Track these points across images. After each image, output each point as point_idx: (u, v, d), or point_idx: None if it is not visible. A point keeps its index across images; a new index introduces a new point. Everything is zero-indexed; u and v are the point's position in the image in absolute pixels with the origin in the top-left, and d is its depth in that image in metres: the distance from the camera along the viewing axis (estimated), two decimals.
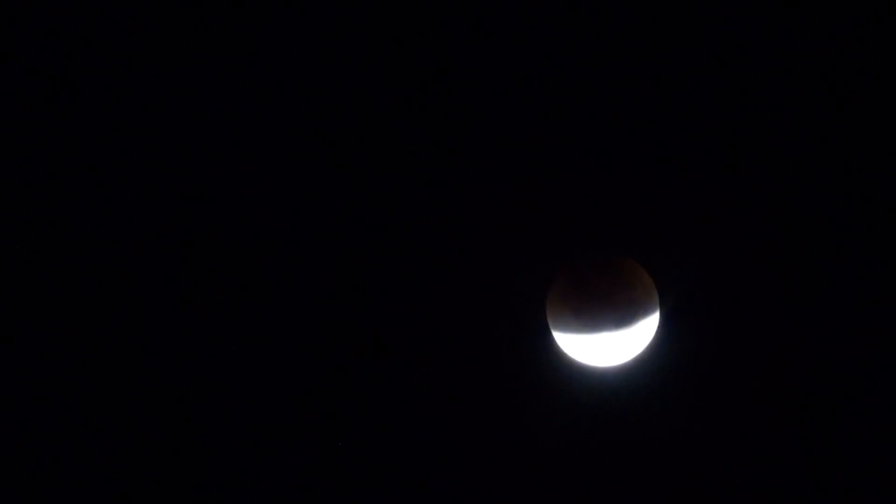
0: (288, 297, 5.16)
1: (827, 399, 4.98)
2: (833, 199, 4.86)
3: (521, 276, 5.04)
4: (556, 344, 4.94)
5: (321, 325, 5.16)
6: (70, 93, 4.98)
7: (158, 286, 5.15)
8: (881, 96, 4.81)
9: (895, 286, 4.87)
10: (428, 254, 5.08)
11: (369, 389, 5.17)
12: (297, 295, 5.16)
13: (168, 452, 5.19)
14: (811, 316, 4.95)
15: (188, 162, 5.07)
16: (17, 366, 5.12)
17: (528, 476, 5.13)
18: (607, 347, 4.78)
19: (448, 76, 4.97)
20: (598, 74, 4.92)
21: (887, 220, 4.84)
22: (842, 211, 4.86)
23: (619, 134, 4.93)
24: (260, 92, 5.02)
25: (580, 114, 4.95)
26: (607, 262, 4.87)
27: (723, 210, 4.92)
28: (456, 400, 5.14)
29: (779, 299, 4.96)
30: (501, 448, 5.12)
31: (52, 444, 5.15)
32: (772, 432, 5.04)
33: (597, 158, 4.94)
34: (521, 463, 5.12)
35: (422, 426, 5.17)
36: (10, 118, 5.00)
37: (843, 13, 4.77)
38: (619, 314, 4.72)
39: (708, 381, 5.05)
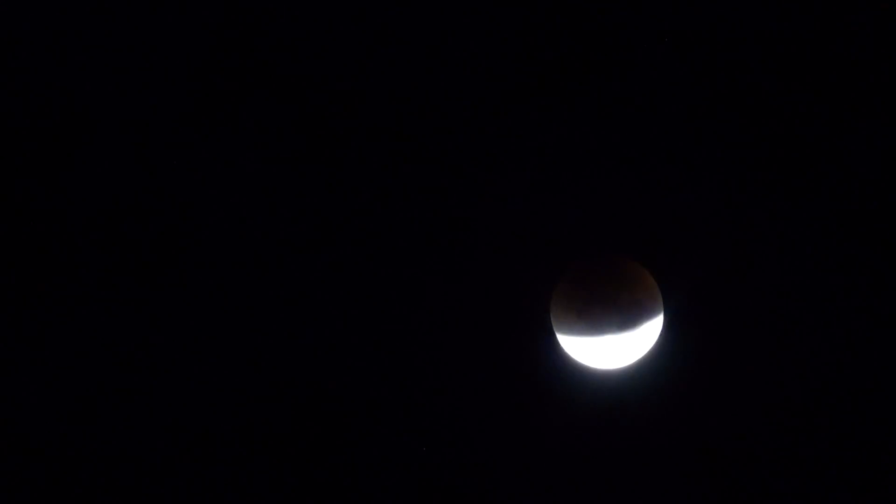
0: (288, 299, 5.15)
1: (829, 401, 4.98)
2: (837, 201, 4.87)
3: (524, 278, 5.04)
4: (559, 346, 4.94)
5: (324, 326, 5.16)
6: (65, 93, 5.00)
7: (161, 287, 5.15)
8: (884, 97, 4.82)
9: None
10: (432, 257, 5.08)
11: (372, 391, 5.17)
12: (297, 297, 5.15)
13: (168, 453, 5.19)
14: (814, 318, 4.95)
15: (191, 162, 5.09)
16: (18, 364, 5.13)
17: (532, 477, 5.12)
18: (611, 350, 4.79)
19: (452, 77, 4.97)
20: (602, 76, 4.93)
21: (891, 222, 4.85)
22: (846, 213, 4.86)
23: (623, 137, 4.93)
24: (260, 90, 5.03)
25: (583, 116, 4.96)
26: (611, 264, 4.87)
27: (726, 213, 4.92)
28: (460, 402, 5.13)
29: (782, 302, 4.96)
30: (506, 450, 5.12)
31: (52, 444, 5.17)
32: (775, 434, 5.04)
33: (601, 161, 4.94)
34: (525, 464, 5.11)
35: (426, 428, 5.16)
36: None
37: (843, 14, 4.78)
38: (623, 317, 4.72)
39: (711, 384, 5.05)
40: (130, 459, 5.15)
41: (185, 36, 5.01)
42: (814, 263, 4.92)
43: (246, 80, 5.02)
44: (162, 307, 5.15)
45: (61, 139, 5.05)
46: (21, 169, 5.06)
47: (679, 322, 4.95)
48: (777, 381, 5.02)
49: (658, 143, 4.92)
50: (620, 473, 5.10)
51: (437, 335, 5.11)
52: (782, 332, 4.99)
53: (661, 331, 4.88)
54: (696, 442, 5.08)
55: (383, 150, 5.04)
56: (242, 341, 5.17)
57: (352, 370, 5.18)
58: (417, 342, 5.13)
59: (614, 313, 4.71)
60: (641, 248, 4.94)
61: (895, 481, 4.93)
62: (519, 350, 5.08)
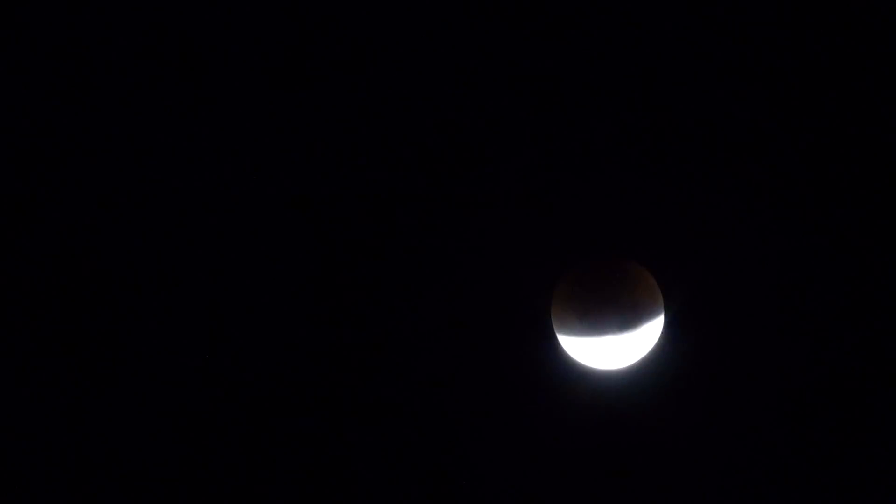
0: (288, 299, 5.15)
1: (830, 402, 4.99)
2: (837, 201, 4.88)
3: (525, 279, 5.04)
4: (560, 347, 4.95)
5: (325, 328, 5.16)
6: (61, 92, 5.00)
7: (161, 287, 5.15)
8: (884, 98, 4.84)
9: None
10: (433, 257, 5.08)
11: (374, 392, 5.17)
12: (297, 299, 5.15)
13: (169, 453, 5.19)
14: (815, 319, 4.96)
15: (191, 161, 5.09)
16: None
17: (534, 478, 5.13)
18: (612, 350, 4.79)
19: (453, 78, 4.97)
20: (602, 76, 4.93)
21: (891, 223, 4.86)
22: (846, 213, 4.88)
23: (624, 137, 4.94)
24: (264, 91, 5.03)
25: (584, 117, 4.96)
26: (612, 265, 4.88)
27: (727, 213, 4.93)
28: (461, 403, 5.14)
29: (783, 302, 4.97)
30: (507, 450, 5.12)
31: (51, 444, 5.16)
32: (775, 435, 5.05)
33: (602, 162, 4.95)
34: (526, 465, 5.12)
35: (427, 429, 5.17)
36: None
37: (844, 14, 4.80)
38: (624, 317, 4.73)
39: (712, 384, 5.06)
40: (129, 459, 5.15)
41: (181, 35, 5.02)
42: (814, 264, 4.94)
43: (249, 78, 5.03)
44: (161, 307, 5.16)
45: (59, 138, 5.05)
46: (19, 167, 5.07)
47: (680, 322, 4.96)
48: (777, 381, 5.03)
49: (659, 144, 4.93)
50: (621, 474, 5.11)
51: (438, 336, 5.12)
52: (782, 333, 5.00)
53: (662, 331, 4.89)
54: (696, 442, 5.09)
55: (384, 149, 5.04)
56: (242, 342, 5.17)
57: (352, 370, 5.18)
58: (418, 343, 5.13)
59: (615, 314, 4.72)
60: (642, 249, 4.95)
61: (895, 481, 4.94)
62: (520, 351, 5.09)
